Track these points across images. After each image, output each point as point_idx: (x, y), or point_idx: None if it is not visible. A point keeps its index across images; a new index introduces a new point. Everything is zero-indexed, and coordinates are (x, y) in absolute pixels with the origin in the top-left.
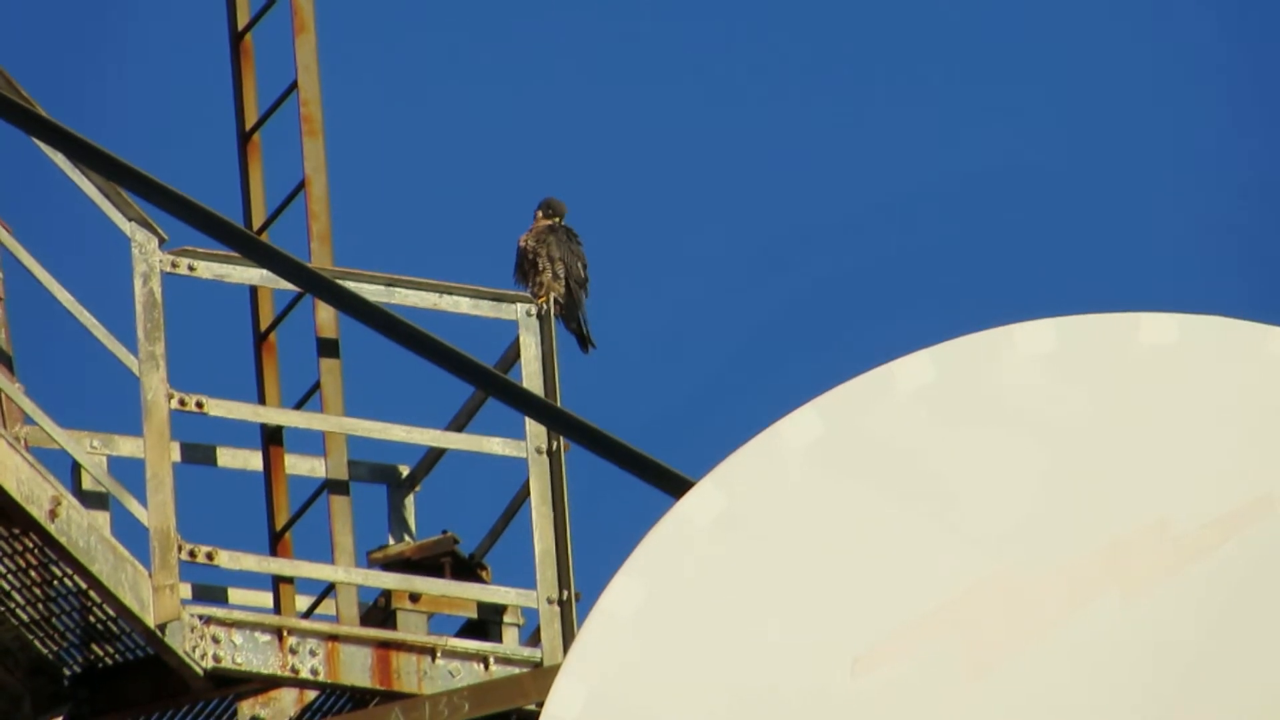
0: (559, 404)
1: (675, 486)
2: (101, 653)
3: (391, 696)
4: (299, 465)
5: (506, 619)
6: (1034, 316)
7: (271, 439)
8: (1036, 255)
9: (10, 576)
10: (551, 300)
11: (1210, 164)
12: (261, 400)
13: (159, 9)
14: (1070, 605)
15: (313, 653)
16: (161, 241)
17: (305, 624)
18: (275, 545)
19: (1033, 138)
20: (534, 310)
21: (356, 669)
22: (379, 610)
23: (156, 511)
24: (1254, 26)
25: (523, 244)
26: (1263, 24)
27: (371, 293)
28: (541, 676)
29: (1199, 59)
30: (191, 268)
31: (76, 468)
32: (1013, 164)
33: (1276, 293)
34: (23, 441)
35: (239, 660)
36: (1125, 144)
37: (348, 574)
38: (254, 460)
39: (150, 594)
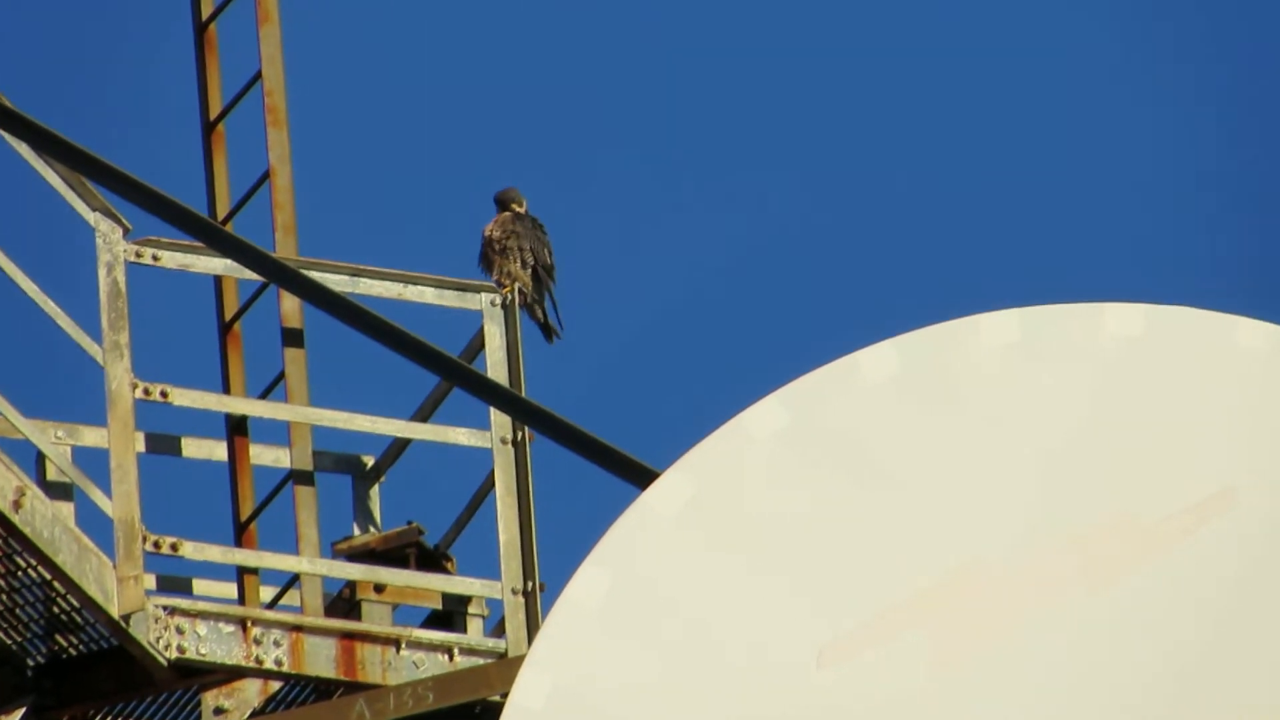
0: (524, 394)
1: (640, 477)
2: (65, 644)
3: (356, 687)
4: (264, 455)
5: (471, 610)
6: (999, 306)
7: (236, 429)
8: (1001, 245)
9: None
10: (516, 290)
11: (1176, 154)
12: (226, 390)
13: None
14: (1037, 597)
15: (277, 644)
16: (126, 231)
17: (270, 615)
18: (240, 536)
19: (1004, 128)
20: (498, 300)
21: (321, 660)
22: (344, 601)
23: (121, 502)
24: (1215, 13)
25: (488, 233)
26: (1222, 10)
27: (336, 283)
28: (506, 667)
29: (1167, 50)
30: (156, 257)
31: (41, 458)
32: (981, 153)
33: (1243, 283)
34: None
35: (203, 651)
36: (1091, 134)
37: (312, 565)
38: (219, 450)
39: (114, 585)
